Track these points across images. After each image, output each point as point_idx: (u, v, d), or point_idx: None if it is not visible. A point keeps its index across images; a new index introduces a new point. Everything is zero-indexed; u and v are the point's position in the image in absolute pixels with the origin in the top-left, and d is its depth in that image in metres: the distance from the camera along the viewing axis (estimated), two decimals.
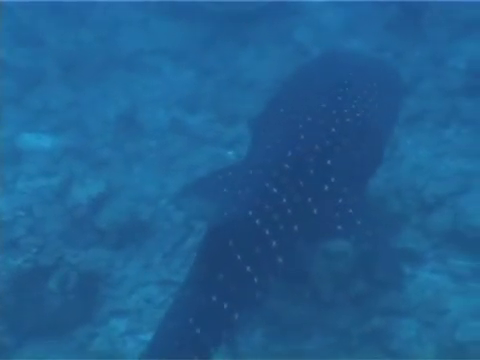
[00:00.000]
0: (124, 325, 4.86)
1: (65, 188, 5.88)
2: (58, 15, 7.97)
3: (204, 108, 6.69)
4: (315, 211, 3.93)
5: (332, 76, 4.66)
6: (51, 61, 7.41)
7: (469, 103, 5.86)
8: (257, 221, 3.67)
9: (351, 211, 4.01)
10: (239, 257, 3.55)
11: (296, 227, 3.84)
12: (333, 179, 4.03)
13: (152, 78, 7.23)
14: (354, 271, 4.76)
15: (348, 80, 4.50)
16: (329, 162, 4.04)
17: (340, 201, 4.03)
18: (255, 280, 3.62)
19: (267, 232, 3.70)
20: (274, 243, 3.72)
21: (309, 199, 3.92)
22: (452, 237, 4.77)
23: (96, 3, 8.01)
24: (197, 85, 6.98)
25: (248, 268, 3.58)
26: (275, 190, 3.81)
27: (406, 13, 7.29)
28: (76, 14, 7.98)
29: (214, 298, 3.44)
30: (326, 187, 3.99)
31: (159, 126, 6.59)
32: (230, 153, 6.20)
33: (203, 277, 3.53)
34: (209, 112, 6.62)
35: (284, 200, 3.82)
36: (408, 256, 4.79)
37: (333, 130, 4.13)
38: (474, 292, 4.42)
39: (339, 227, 3.94)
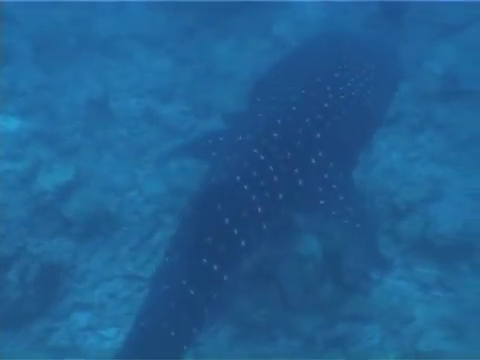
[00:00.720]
0: (85, 320, 4.74)
1: (31, 174, 5.66)
2: None
3: (178, 98, 6.53)
4: (300, 182, 3.98)
5: (332, 53, 4.70)
6: (22, 40, 7.11)
7: (444, 109, 5.86)
8: (245, 186, 3.75)
9: (335, 186, 4.05)
10: (227, 221, 3.62)
11: (281, 196, 3.90)
12: (321, 153, 4.07)
13: (126, 64, 7.02)
14: (322, 274, 4.74)
15: (347, 58, 4.55)
16: (318, 136, 4.08)
17: (325, 176, 4.07)
18: (242, 243, 3.69)
19: (253, 198, 3.76)
20: (260, 209, 3.78)
21: (295, 170, 3.97)
22: (421, 245, 4.77)
23: None
24: (172, 74, 6.80)
25: (235, 231, 3.65)
26: (262, 157, 3.87)
27: (387, 12, 7.23)
28: None
29: (204, 260, 3.51)
30: (313, 160, 4.04)
31: (131, 114, 6.40)
32: None
33: (192, 240, 3.57)
34: (183, 103, 6.46)
35: (271, 168, 3.87)
36: (376, 261, 4.78)
37: (326, 105, 4.18)
38: (439, 301, 4.44)
39: (322, 202, 3.99)
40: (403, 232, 4.86)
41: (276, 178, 3.88)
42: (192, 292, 3.44)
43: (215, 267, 3.54)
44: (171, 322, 3.34)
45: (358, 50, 4.80)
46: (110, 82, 6.75)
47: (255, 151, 3.88)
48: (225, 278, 3.60)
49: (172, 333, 3.31)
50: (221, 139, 4.41)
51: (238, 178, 3.76)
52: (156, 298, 3.50)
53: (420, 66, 6.34)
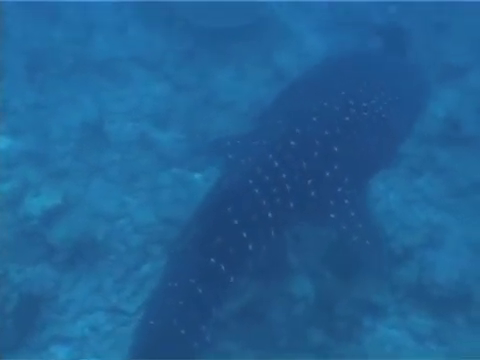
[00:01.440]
0: (65, 353, 4.60)
1: (18, 196, 5.54)
2: (29, 9, 7.61)
3: (175, 125, 6.48)
4: (313, 194, 4.03)
5: (359, 68, 4.85)
6: (17, 57, 7.05)
7: (444, 153, 5.85)
8: (256, 190, 3.82)
9: (347, 202, 4.09)
10: (236, 222, 3.71)
11: (292, 204, 3.94)
12: (336, 166, 4.11)
13: (123, 87, 6.97)
14: (314, 317, 4.65)
15: (374, 75, 4.66)
16: (336, 149, 4.12)
17: (339, 190, 4.11)
18: (250, 247, 3.77)
19: (264, 203, 3.83)
20: (270, 214, 3.85)
21: (309, 181, 4.02)
22: (417, 293, 4.71)
23: (72, 2, 7.71)
24: (170, 100, 6.76)
25: (244, 234, 3.74)
26: (277, 164, 3.93)
27: (389, 48, 7.27)
28: (49, 10, 7.65)
29: (213, 260, 3.62)
30: (328, 173, 4.09)
31: (125, 139, 6.33)
32: (197, 176, 6.01)
33: (202, 240, 3.68)
34: (180, 130, 6.42)
35: (284, 175, 3.93)
36: (370, 308, 4.71)
37: (347, 119, 4.23)
38: (433, 354, 4.36)
39: (332, 215, 4.04)
40: (399, 278, 4.79)
41: (288, 186, 3.93)
42: (200, 291, 3.55)
43: (223, 267, 3.64)
44: (181, 320, 3.45)
45: (386, 68, 4.94)
46: (106, 104, 6.69)
47: (270, 157, 3.94)
48: (231, 279, 3.70)
49: (182, 331, 3.43)
50: (239, 142, 4.50)
51: (250, 182, 3.84)
52: (164, 296, 3.60)
53: None
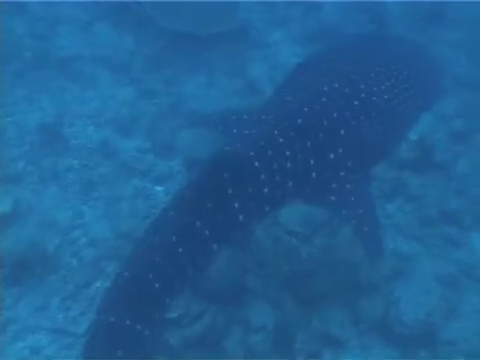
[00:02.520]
0: None
1: None
2: None
3: (139, 133, 6.26)
4: (314, 175, 4.00)
5: (373, 53, 4.85)
6: None
7: (416, 179, 5.75)
8: (256, 163, 3.77)
9: (349, 186, 4.07)
10: (230, 191, 3.67)
11: (291, 183, 3.92)
12: (341, 150, 4.09)
13: (86, 89, 6.72)
14: (272, 348, 4.51)
15: (386, 61, 4.61)
16: (342, 132, 4.10)
17: (341, 174, 4.09)
18: (240, 218, 3.73)
19: (263, 177, 3.79)
20: (266, 190, 3.81)
21: (311, 161, 3.98)
22: (380, 327, 4.60)
23: None
24: (136, 106, 6.53)
25: (236, 204, 3.69)
26: (281, 140, 3.89)
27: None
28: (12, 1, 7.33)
29: (198, 223, 3.58)
30: (332, 155, 4.06)
31: (86, 145, 6.11)
32: (159, 189, 5.80)
33: (192, 201, 3.65)
34: (144, 139, 6.21)
35: (287, 153, 3.89)
36: (331, 340, 4.58)
37: (356, 103, 4.20)
38: None
39: (332, 198, 4.02)
40: (363, 311, 4.68)
41: (290, 164, 3.89)
42: (180, 250, 3.53)
43: (207, 232, 3.61)
44: (156, 274, 3.45)
45: (401, 54, 4.91)
46: (66, 106, 6.44)
47: (275, 132, 3.90)
48: (215, 247, 3.68)
49: (156, 285, 3.44)
50: (245, 117, 4.42)
51: (252, 154, 3.78)
52: (143, 249, 3.61)
53: None
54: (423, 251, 5.17)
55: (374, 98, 4.29)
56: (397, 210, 5.65)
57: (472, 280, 4.89)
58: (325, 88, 4.19)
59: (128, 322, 3.37)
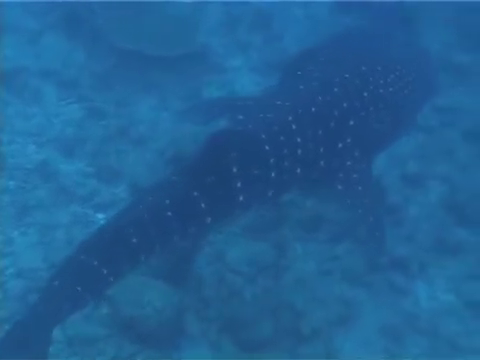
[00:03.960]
0: None
1: None
2: None
3: (83, 156, 6.15)
4: (322, 163, 4.24)
5: (381, 45, 5.23)
6: None
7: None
8: (267, 147, 3.93)
9: (355, 176, 4.34)
10: (235, 170, 3.79)
11: (299, 170, 4.11)
12: (349, 140, 4.36)
13: (30, 104, 6.59)
14: None
15: (388, 54, 5.01)
16: (351, 122, 4.37)
17: (348, 163, 4.36)
18: (240, 198, 3.87)
19: (271, 161, 3.95)
20: (273, 174, 3.97)
21: (321, 149, 4.21)
22: None
23: None
24: (82, 126, 6.44)
25: (239, 184, 3.83)
26: (294, 126, 4.07)
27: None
28: None
29: (195, 193, 3.71)
30: (340, 145, 4.32)
31: (24, 165, 5.95)
32: (100, 217, 5.69)
33: (193, 172, 3.77)
34: (87, 162, 6.10)
35: (298, 139, 4.08)
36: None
37: (365, 94, 4.49)
38: None
39: (339, 187, 4.29)
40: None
41: (300, 151, 4.08)
42: (169, 214, 3.65)
43: (203, 205, 3.73)
44: (137, 229, 3.58)
45: (401, 47, 5.31)
46: (6, 121, 6.26)
47: (289, 118, 4.09)
48: (208, 220, 3.79)
49: (134, 239, 3.57)
50: (250, 103, 4.58)
51: (263, 136, 3.94)
52: (136, 205, 3.78)
53: None
54: (368, 298, 5.22)
55: (381, 90, 4.60)
56: (346, 253, 5.71)
57: (415, 331, 4.97)
58: (336, 79, 4.45)
59: (95, 263, 3.52)
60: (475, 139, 6.23)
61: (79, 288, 3.50)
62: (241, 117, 4.29)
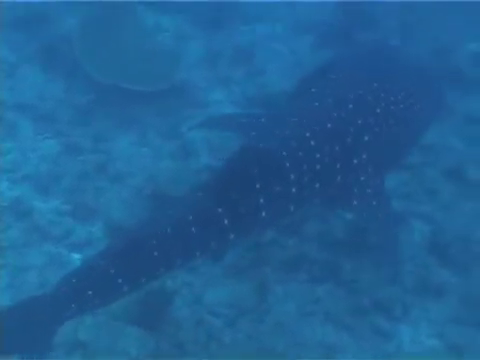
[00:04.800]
0: None
1: None
2: None
3: (59, 194, 6.11)
4: (339, 178, 4.48)
5: (391, 63, 5.49)
6: None
7: (349, 262, 5.82)
8: (287, 163, 4.17)
9: (370, 191, 4.58)
10: (258, 186, 4.02)
11: (318, 185, 4.35)
12: (364, 155, 4.59)
13: (5, 139, 6.53)
14: None
15: (398, 71, 5.25)
16: (366, 138, 4.59)
17: (362, 178, 4.59)
18: (263, 214, 4.08)
19: (292, 177, 4.18)
20: (294, 189, 4.20)
21: (338, 165, 4.45)
22: None
23: None
24: (58, 162, 6.41)
25: (261, 200, 4.04)
26: (313, 143, 4.31)
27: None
28: None
29: (219, 210, 3.92)
30: (355, 160, 4.55)
31: None
32: (76, 257, 5.61)
33: (218, 188, 3.99)
34: (63, 200, 6.05)
35: (317, 155, 4.32)
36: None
37: (378, 111, 4.71)
38: None
39: (355, 202, 4.53)
40: None
41: (319, 167, 4.31)
42: (193, 229, 3.85)
43: (226, 221, 3.93)
44: (160, 243, 3.76)
45: (409, 65, 5.58)
46: None
47: (307, 135, 4.31)
48: (231, 236, 4.00)
49: (155, 253, 3.76)
50: (263, 120, 4.76)
51: (284, 153, 4.18)
52: (159, 219, 3.99)
53: None
54: (351, 341, 5.19)
55: (392, 107, 4.82)
56: (327, 294, 5.68)
57: None
58: (351, 95, 4.68)
59: (112, 271, 3.67)
60: (457, 178, 6.30)
61: (90, 292, 3.66)
62: (254, 133, 4.53)
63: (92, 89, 7.16)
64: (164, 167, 6.49)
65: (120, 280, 3.69)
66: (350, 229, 6.07)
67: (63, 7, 7.66)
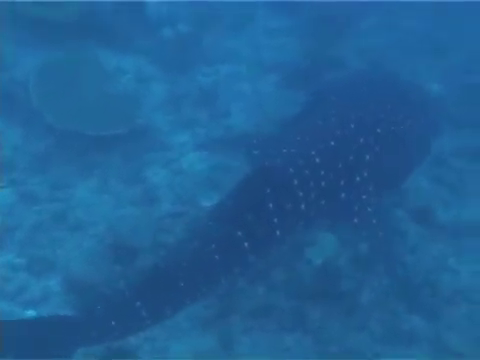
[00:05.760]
0: None
1: None
2: None
3: (13, 246, 5.96)
4: (343, 195, 4.76)
5: (390, 87, 5.83)
6: None
7: (318, 310, 5.75)
8: (295, 181, 4.44)
9: (370, 209, 4.84)
10: (271, 206, 4.26)
11: (323, 201, 4.63)
12: (366, 174, 4.87)
13: None
14: None
15: (396, 94, 5.56)
16: (367, 157, 4.89)
17: (363, 197, 4.86)
18: (277, 233, 4.36)
19: (300, 194, 4.46)
20: (303, 206, 4.47)
21: (342, 182, 4.75)
22: None
23: None
24: (12, 213, 6.28)
25: (276, 219, 4.29)
26: (317, 160, 4.59)
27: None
28: None
29: (239, 233, 4.15)
30: (358, 178, 4.84)
31: None
32: (30, 313, 5.44)
33: (234, 212, 4.22)
34: (17, 253, 5.90)
35: (322, 172, 4.60)
36: None
37: (378, 131, 5.02)
38: None
39: (355, 220, 4.80)
40: None
41: (324, 184, 4.60)
42: (217, 257, 4.08)
43: (246, 244, 4.16)
44: (184, 275, 4.00)
45: (407, 88, 5.91)
46: None
47: (313, 153, 4.60)
48: (251, 259, 4.25)
49: (181, 284, 4.00)
50: (268, 140, 5.16)
51: (291, 171, 4.45)
52: (184, 252, 4.16)
53: (298, 253, 6.32)
54: None
55: (392, 127, 5.13)
56: (296, 343, 5.60)
57: None
58: (352, 116, 4.99)
59: (138, 304, 3.90)
60: (424, 220, 6.33)
61: (113, 322, 3.89)
62: (257, 153, 4.98)
63: (50, 136, 7.08)
64: (126, 215, 6.42)
65: (144, 313, 3.93)
66: (318, 276, 6.04)
67: (20, 51, 7.59)
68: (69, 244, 6.00)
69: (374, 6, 9.31)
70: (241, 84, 8.53)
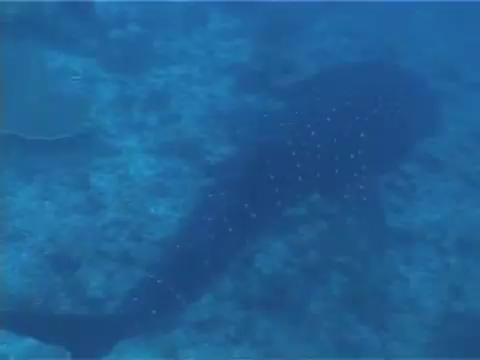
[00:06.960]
0: None
1: None
2: None
3: None
4: (336, 171, 5.10)
5: (388, 74, 6.43)
6: None
7: (265, 321, 5.72)
8: (293, 153, 4.81)
9: (362, 187, 5.12)
10: (272, 177, 4.61)
11: (319, 174, 4.96)
12: (359, 152, 5.17)
13: None
14: None
15: (394, 81, 6.07)
16: (362, 135, 5.22)
17: (355, 175, 5.18)
18: (278, 203, 4.73)
19: (298, 166, 4.81)
20: (300, 178, 4.82)
21: (336, 157, 5.09)
22: None
23: None
24: None
25: (277, 189, 4.66)
26: (313, 133, 4.95)
27: None
28: None
29: (246, 205, 4.51)
30: (352, 156, 5.17)
31: None
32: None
33: (237, 185, 4.56)
34: None
35: (318, 146, 4.94)
36: None
37: (375, 111, 5.44)
38: None
39: (346, 196, 5.11)
40: None
41: (319, 157, 4.91)
42: (230, 229, 4.48)
43: (254, 215, 4.53)
44: (207, 251, 4.37)
45: (404, 75, 6.52)
46: None
47: (308, 126, 4.97)
48: (256, 232, 4.67)
49: (205, 261, 4.41)
50: (265, 116, 5.55)
51: (289, 143, 4.80)
52: (197, 226, 4.57)
53: (249, 261, 6.25)
54: None
55: (389, 110, 5.50)
56: (243, 355, 5.56)
57: None
58: (349, 94, 5.36)
59: (171, 289, 4.24)
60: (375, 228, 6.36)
61: (154, 311, 4.23)
62: (257, 126, 5.28)
63: None
64: (68, 223, 6.27)
65: (179, 296, 4.30)
66: (266, 286, 6.00)
67: None
68: (6, 256, 5.80)
69: (327, 7, 9.38)
70: (193, 86, 8.46)
